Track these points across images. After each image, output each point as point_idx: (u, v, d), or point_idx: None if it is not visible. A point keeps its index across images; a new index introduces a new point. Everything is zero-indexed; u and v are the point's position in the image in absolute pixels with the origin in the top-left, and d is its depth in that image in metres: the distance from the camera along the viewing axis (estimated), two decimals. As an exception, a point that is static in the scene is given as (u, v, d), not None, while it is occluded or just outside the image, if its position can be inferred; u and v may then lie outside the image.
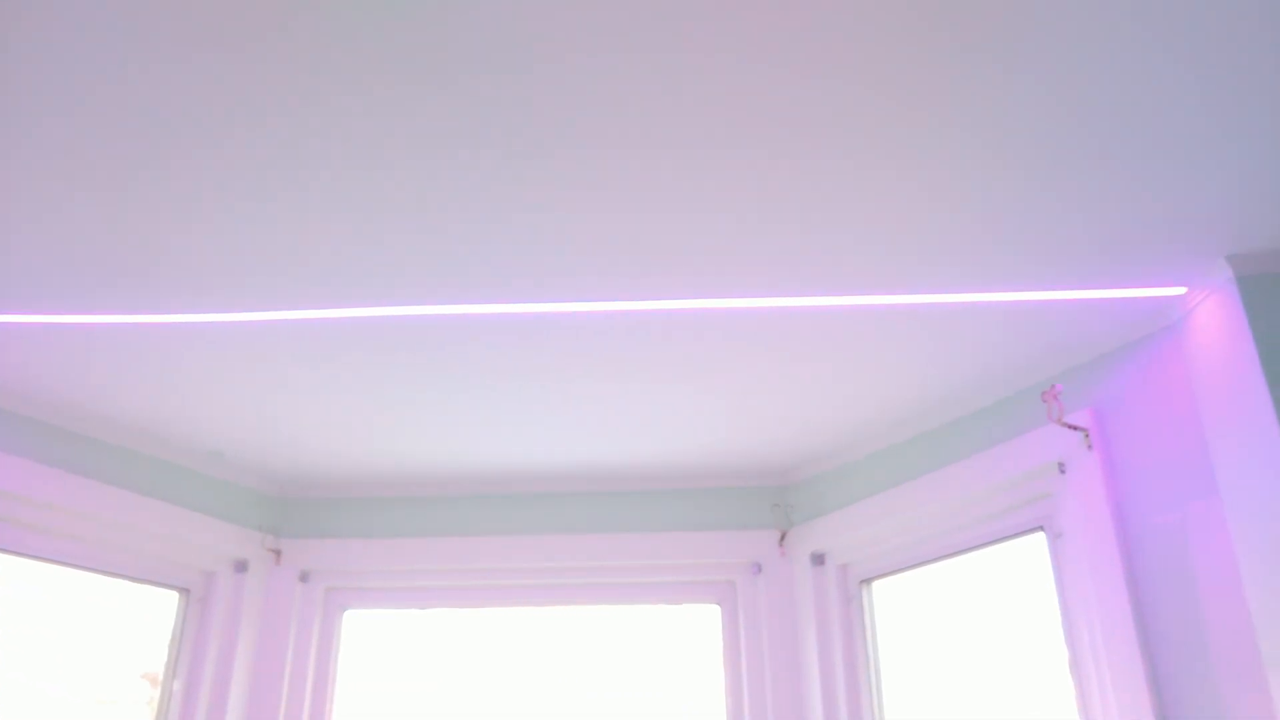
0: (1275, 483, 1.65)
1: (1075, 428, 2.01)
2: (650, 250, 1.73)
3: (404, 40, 1.28)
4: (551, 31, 1.27)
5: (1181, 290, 1.87)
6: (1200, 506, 1.82)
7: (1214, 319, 1.82)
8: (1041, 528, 2.15)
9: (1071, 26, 1.27)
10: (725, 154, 1.49)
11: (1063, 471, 2.06)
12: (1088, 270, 1.80)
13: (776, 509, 2.72)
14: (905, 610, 2.48)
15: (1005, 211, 1.63)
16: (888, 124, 1.44)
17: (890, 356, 2.09)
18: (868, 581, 2.54)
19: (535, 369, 2.12)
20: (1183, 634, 1.80)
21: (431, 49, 1.30)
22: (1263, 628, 1.66)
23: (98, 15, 1.24)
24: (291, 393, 2.24)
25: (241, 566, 2.68)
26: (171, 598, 2.61)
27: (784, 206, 1.61)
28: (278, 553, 2.74)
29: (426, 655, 2.73)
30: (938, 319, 1.95)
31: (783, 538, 2.67)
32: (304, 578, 2.74)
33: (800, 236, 1.69)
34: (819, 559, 2.60)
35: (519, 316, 1.92)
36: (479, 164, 1.51)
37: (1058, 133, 1.46)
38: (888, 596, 2.52)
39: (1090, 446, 1.99)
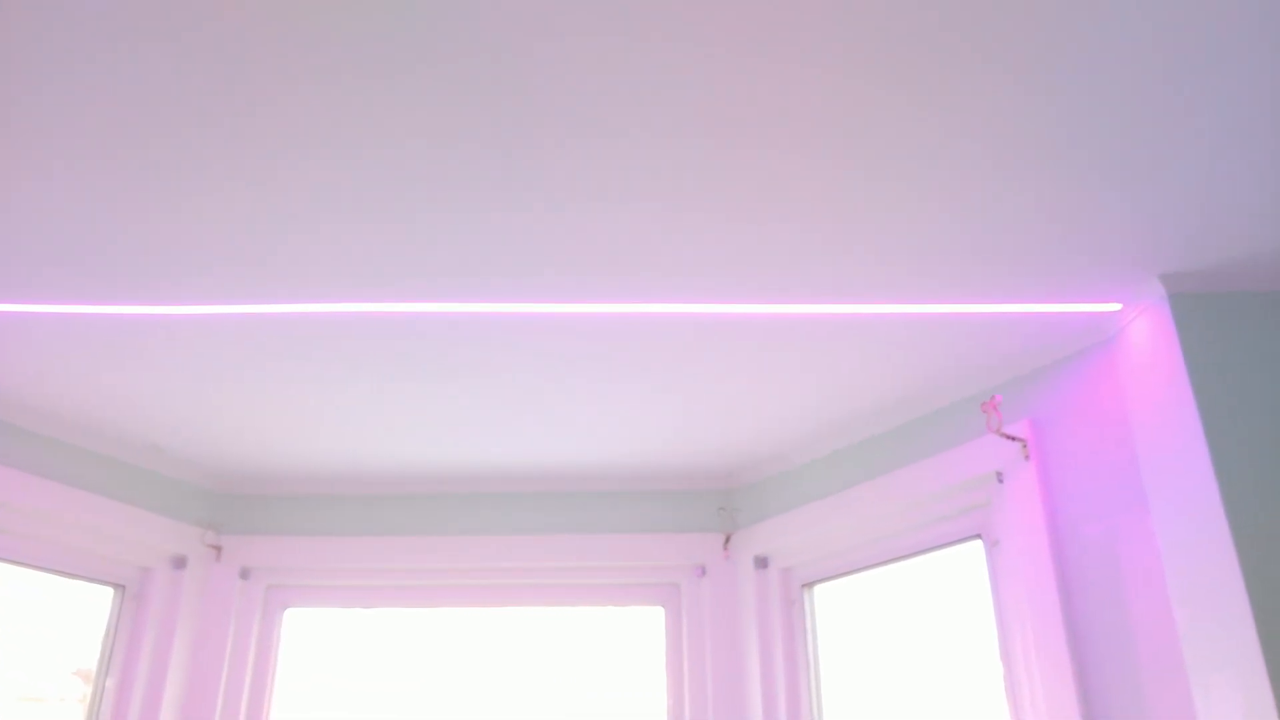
0: (1200, 496, 1.71)
1: (1013, 438, 2.06)
2: (598, 252, 1.74)
3: (329, 33, 1.28)
4: (512, 28, 1.28)
5: (1117, 307, 1.93)
6: (1130, 517, 1.88)
7: (1147, 335, 1.88)
8: (979, 535, 2.20)
9: (1017, 48, 1.31)
10: (678, 157, 1.51)
11: (1001, 481, 2.11)
12: (1028, 285, 1.85)
13: (722, 512, 2.74)
14: (846, 614, 2.51)
15: (949, 226, 1.67)
16: (842, 134, 1.46)
17: (835, 363, 2.12)
18: (809, 585, 2.58)
19: (481, 369, 2.12)
20: (1110, 640, 1.86)
21: (364, 41, 1.30)
22: (1186, 635, 1.72)
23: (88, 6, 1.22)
24: (234, 387, 2.21)
25: (180, 563, 2.64)
26: (106, 593, 2.56)
27: (733, 212, 1.63)
28: (218, 549, 2.71)
29: (368, 655, 2.71)
30: (882, 328, 1.98)
31: (727, 540, 2.69)
32: (245, 575, 2.71)
33: (748, 242, 1.71)
34: (762, 562, 2.63)
35: (466, 316, 1.92)
36: (428, 163, 1.50)
37: (1001, 152, 1.50)
38: (829, 600, 2.56)
39: (1027, 457, 2.04)
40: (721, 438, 2.50)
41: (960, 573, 2.26)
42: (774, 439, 2.51)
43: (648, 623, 2.73)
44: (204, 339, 2.00)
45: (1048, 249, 1.74)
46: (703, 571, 2.70)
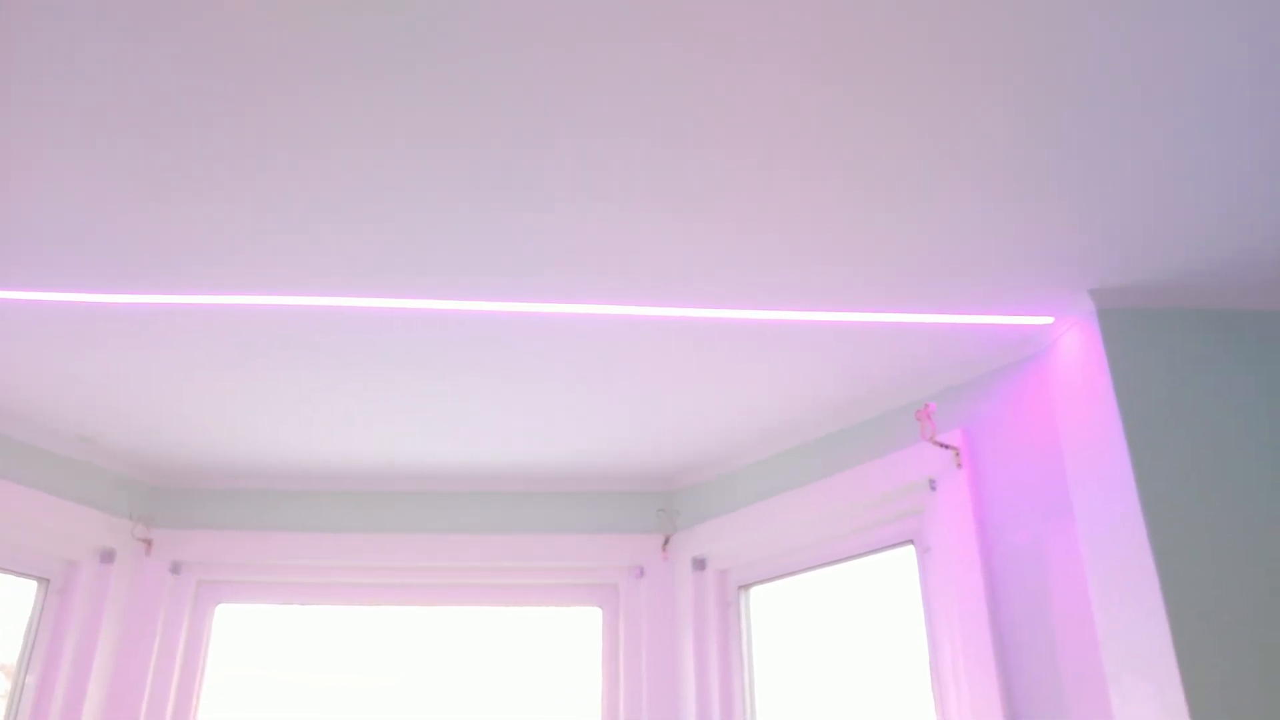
0: (1122, 507, 1.76)
1: (946, 446, 2.10)
2: (538, 253, 1.74)
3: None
4: (491, 30, 1.27)
5: (1049, 320, 1.98)
6: (1055, 525, 1.93)
7: (1077, 349, 1.93)
8: (911, 541, 2.24)
9: (947, 64, 1.34)
10: (623, 160, 1.51)
11: (933, 488, 2.15)
12: (964, 297, 1.89)
13: (662, 514, 2.76)
14: (782, 617, 2.54)
15: (889, 237, 1.70)
16: (788, 141, 1.48)
17: (776, 369, 2.14)
18: (746, 587, 2.60)
19: (420, 368, 2.11)
20: (1034, 645, 1.90)
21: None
22: (1106, 642, 1.76)
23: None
24: (169, 379, 2.17)
25: (108, 556, 2.59)
26: (30, 587, 2.50)
27: (676, 216, 1.65)
28: (149, 542, 2.65)
29: (302, 653, 2.68)
30: (822, 335, 2.01)
31: (666, 542, 2.71)
32: (175, 569, 2.66)
33: (689, 246, 1.73)
34: (700, 564, 2.65)
35: (405, 313, 1.91)
36: (359, 160, 1.49)
37: (941, 167, 1.52)
38: (765, 603, 2.58)
39: (959, 465, 2.08)
40: (662, 440, 2.51)
41: (893, 577, 2.30)
42: (715, 442, 2.53)
43: (585, 623, 2.74)
44: (139, 328, 1.96)
45: (983, 262, 1.78)
46: (641, 573, 2.71)
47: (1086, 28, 1.28)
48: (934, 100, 1.39)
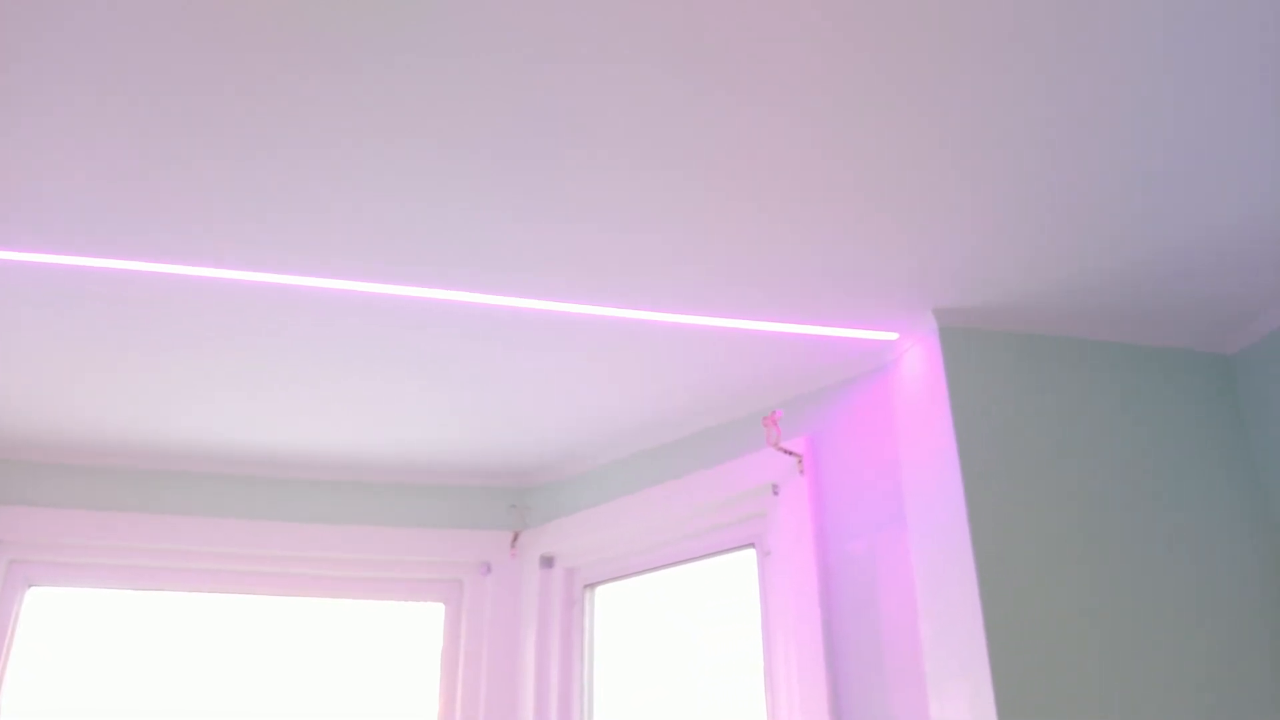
0: (951, 520, 1.83)
1: (790, 453, 2.14)
2: (398, 236, 1.69)
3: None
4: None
5: (894, 336, 2.04)
6: (889, 535, 1.99)
7: (919, 365, 2.00)
8: (753, 545, 2.28)
9: (814, 77, 1.36)
10: (488, 149, 1.49)
11: (776, 493, 2.19)
12: (815, 309, 1.93)
13: (513, 510, 2.73)
14: (627, 616, 2.55)
15: (747, 245, 1.73)
16: (650, 141, 1.48)
17: (629, 370, 2.15)
18: (592, 586, 2.60)
19: (264, 347, 2.03)
20: (863, 649, 1.96)
21: None
22: (928, 647, 1.83)
23: None
24: (-14, 342, 2.02)
25: (-94, 531, 2.40)
26: None
27: (533, 210, 1.63)
28: (-46, 518, 2.47)
29: (123, 640, 2.53)
30: (679, 339, 2.03)
31: (515, 539, 2.68)
32: (-16, 548, 2.48)
33: (547, 240, 1.71)
34: (548, 561, 2.63)
35: (250, 286, 1.83)
36: (192, 116, 1.43)
37: (794, 182, 1.56)
38: (611, 602, 2.58)
39: (802, 472, 2.13)
40: (517, 436, 2.49)
41: (737, 580, 2.33)
42: (570, 441, 2.52)
43: (428, 619, 2.68)
44: (-50, 285, 1.83)
45: (835, 276, 1.83)
46: (488, 569, 2.67)
47: (942, 56, 1.32)
48: (798, 111, 1.42)
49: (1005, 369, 1.95)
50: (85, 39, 1.29)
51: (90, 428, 2.44)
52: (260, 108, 1.41)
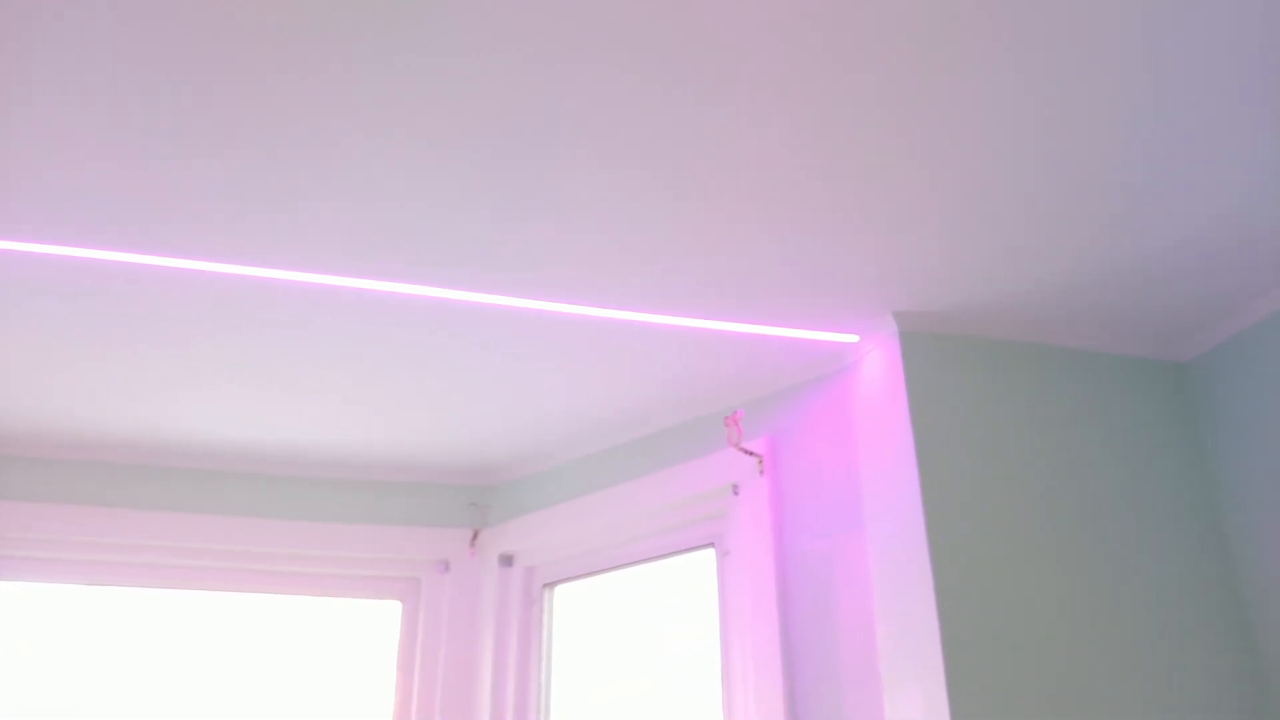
0: (908, 523, 1.84)
1: (751, 453, 2.14)
2: (366, 230, 1.67)
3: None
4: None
5: (854, 339, 2.05)
6: (848, 536, 2.00)
7: (879, 367, 2.01)
8: (712, 544, 2.28)
9: (775, 77, 1.36)
10: (456, 149, 1.48)
11: (736, 493, 2.20)
12: (777, 310, 1.94)
13: (473, 508, 2.71)
14: (585, 616, 2.54)
15: (711, 245, 1.73)
16: (621, 141, 1.48)
17: (592, 368, 2.14)
18: (551, 585, 2.59)
19: (230, 342, 2.00)
20: (819, 649, 1.97)
21: None
22: (883, 648, 1.84)
23: None
24: (-69, 331, 1.97)
25: None
26: None
27: (505, 206, 1.62)
28: (-102, 511, 2.41)
29: (81, 637, 2.48)
30: (642, 338, 2.02)
31: (475, 537, 2.66)
32: (-67, 542, 2.42)
33: (516, 238, 1.70)
34: (508, 560, 2.61)
35: (206, 278, 1.80)
36: (181, 110, 1.40)
37: (758, 185, 1.56)
38: (570, 602, 2.58)
39: (762, 472, 2.13)
40: (479, 433, 2.47)
41: (696, 580, 2.33)
42: (531, 439, 2.50)
43: (386, 617, 2.66)
44: (-106, 271, 1.78)
45: (797, 277, 1.83)
46: (446, 567, 2.65)
47: (908, 62, 1.33)
48: (763, 113, 1.42)
49: (964, 373, 1.96)
50: (81, 34, 1.26)
51: (52, 422, 2.38)
52: (256, 104, 1.39)
